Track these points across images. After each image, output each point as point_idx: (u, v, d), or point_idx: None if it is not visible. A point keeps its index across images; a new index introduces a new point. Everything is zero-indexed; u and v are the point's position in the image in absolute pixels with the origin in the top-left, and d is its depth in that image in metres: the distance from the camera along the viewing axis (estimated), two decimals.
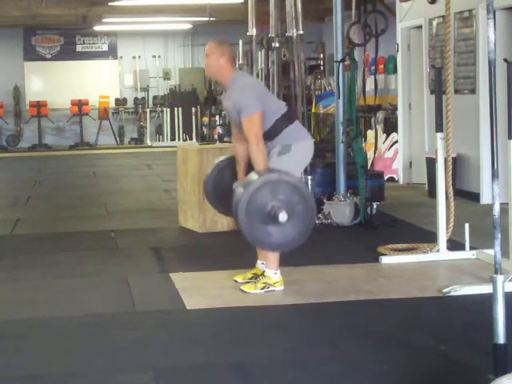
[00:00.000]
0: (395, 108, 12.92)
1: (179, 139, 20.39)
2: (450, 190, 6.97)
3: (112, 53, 21.70)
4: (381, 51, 9.42)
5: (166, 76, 21.84)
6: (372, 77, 10.96)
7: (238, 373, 4.31)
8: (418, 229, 8.23)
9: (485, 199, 9.49)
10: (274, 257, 5.84)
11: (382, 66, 14.93)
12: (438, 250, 6.85)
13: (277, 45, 9.36)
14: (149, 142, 20.95)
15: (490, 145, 4.20)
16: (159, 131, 21.34)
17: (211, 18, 16.68)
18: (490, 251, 6.17)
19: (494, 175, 4.06)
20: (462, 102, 9.82)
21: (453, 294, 5.67)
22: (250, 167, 5.83)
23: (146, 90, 21.74)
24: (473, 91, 9.85)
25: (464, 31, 9.96)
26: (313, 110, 15.81)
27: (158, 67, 21.87)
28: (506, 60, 5.47)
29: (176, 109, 20.63)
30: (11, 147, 20.83)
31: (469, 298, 5.59)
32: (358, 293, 5.84)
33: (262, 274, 5.93)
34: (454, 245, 6.91)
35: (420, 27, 11.24)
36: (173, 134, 20.78)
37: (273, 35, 9.40)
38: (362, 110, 11.55)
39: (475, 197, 9.70)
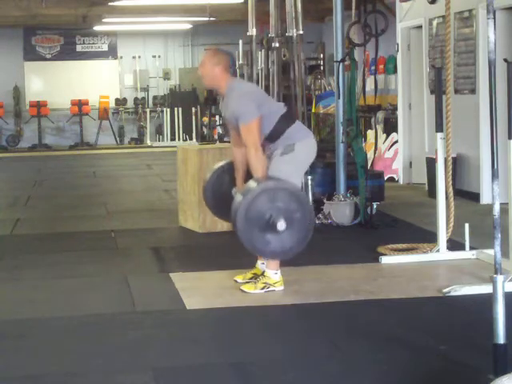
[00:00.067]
0: (395, 108, 12.92)
1: (179, 139, 20.39)
2: (450, 189, 6.97)
3: (112, 53, 21.69)
4: (381, 51, 9.42)
5: (166, 76, 21.83)
6: (372, 77, 10.96)
7: (238, 373, 4.31)
8: (418, 229, 8.23)
9: (485, 199, 9.49)
10: None
11: (381, 66, 14.92)
12: (438, 250, 6.84)
13: (277, 45, 9.36)
14: (149, 142, 20.94)
15: (490, 145, 4.21)
16: (159, 131, 21.33)
17: (211, 18, 16.68)
18: (490, 251, 6.17)
19: (494, 175, 4.06)
20: (461, 102, 9.82)
21: (453, 294, 5.67)
22: (248, 174, 5.84)
23: (146, 90, 21.72)
24: (473, 91, 9.84)
25: (464, 31, 9.96)
26: (313, 110, 15.79)
27: (158, 67, 21.86)
28: (506, 60, 5.47)
29: (176, 109, 20.62)
30: (11, 147, 20.82)
31: (469, 298, 5.59)
32: (358, 293, 5.84)
33: (262, 274, 5.93)
34: (454, 245, 6.91)
35: (420, 27, 11.23)
36: (173, 134, 20.77)
37: (273, 35, 9.40)
38: (361, 110, 11.54)
39: (475, 197, 9.70)
